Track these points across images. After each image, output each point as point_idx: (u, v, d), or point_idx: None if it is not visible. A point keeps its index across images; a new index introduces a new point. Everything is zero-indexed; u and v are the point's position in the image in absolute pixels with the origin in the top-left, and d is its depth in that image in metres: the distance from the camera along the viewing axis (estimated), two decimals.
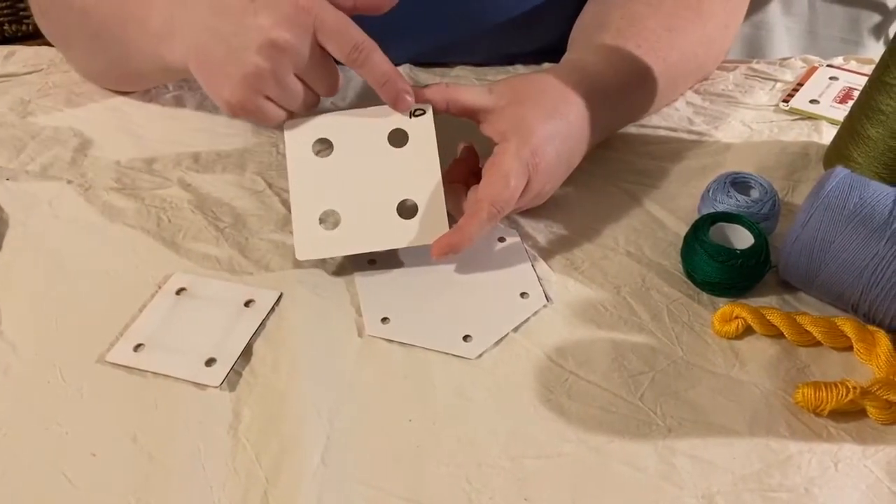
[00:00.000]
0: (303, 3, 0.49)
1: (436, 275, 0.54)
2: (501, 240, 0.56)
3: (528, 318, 0.51)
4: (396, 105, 0.52)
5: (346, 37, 0.50)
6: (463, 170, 0.56)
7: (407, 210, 0.52)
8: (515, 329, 0.50)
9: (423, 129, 0.52)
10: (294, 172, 0.52)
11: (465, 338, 0.49)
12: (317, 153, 0.53)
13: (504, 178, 0.51)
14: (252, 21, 0.49)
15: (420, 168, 0.52)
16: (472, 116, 0.54)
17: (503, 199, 0.51)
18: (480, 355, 0.49)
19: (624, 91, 0.61)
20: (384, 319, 0.50)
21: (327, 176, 0.52)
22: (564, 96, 0.55)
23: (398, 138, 0.53)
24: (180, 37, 0.53)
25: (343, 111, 0.54)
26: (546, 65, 0.75)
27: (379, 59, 0.51)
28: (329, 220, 0.52)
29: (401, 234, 0.52)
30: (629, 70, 0.61)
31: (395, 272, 0.54)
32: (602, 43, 0.61)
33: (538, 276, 0.54)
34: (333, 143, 0.53)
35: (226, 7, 0.50)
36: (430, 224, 0.52)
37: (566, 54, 0.64)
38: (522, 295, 0.52)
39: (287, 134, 0.53)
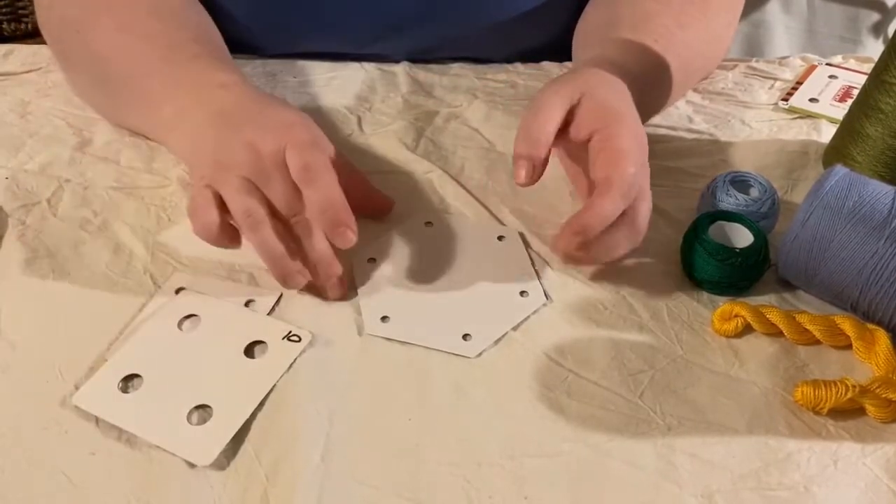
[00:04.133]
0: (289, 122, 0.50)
1: (435, 273, 0.53)
2: (501, 238, 0.56)
3: (528, 317, 0.51)
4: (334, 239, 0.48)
5: (300, 157, 0.48)
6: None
7: None
8: (515, 328, 0.50)
9: None
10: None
11: (465, 336, 0.49)
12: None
13: (625, 155, 0.49)
14: (238, 136, 0.50)
15: None
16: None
17: (629, 176, 0.49)
18: (480, 354, 0.49)
19: (646, 85, 0.59)
20: (384, 318, 0.50)
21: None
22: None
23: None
24: (188, 132, 0.54)
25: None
26: (545, 63, 0.75)
27: (325, 183, 0.48)
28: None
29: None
30: (650, 64, 0.60)
31: (395, 271, 0.54)
32: (620, 38, 0.60)
33: (538, 275, 0.54)
34: None
35: (227, 120, 0.51)
36: None
37: (582, 53, 0.63)
38: (522, 293, 0.52)
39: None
